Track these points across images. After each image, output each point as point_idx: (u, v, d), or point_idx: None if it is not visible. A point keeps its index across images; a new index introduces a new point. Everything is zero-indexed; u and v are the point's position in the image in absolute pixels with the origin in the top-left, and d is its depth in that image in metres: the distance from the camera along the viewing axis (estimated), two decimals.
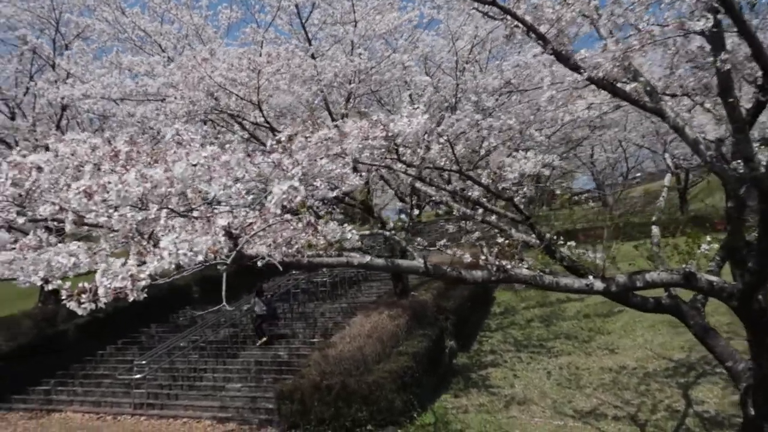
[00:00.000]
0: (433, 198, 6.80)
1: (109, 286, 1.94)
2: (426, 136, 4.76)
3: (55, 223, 3.99)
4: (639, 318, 14.61)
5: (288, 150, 2.75)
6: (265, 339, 16.08)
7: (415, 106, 4.21)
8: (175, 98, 8.27)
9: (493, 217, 7.06)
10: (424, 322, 13.30)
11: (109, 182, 2.27)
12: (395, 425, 10.38)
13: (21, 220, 3.42)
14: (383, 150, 4.25)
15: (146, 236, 2.30)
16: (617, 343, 13.56)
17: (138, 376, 13.59)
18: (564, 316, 16.15)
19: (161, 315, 19.99)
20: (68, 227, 2.41)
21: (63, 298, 2.14)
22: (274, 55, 8.02)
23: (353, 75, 9.63)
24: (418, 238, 10.68)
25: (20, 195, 3.34)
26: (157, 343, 18.06)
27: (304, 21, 12.25)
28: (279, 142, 2.75)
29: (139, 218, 2.41)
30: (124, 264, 2.13)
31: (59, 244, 5.23)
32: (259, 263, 4.77)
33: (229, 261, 2.57)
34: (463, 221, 12.67)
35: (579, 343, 13.96)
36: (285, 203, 2.41)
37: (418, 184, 7.07)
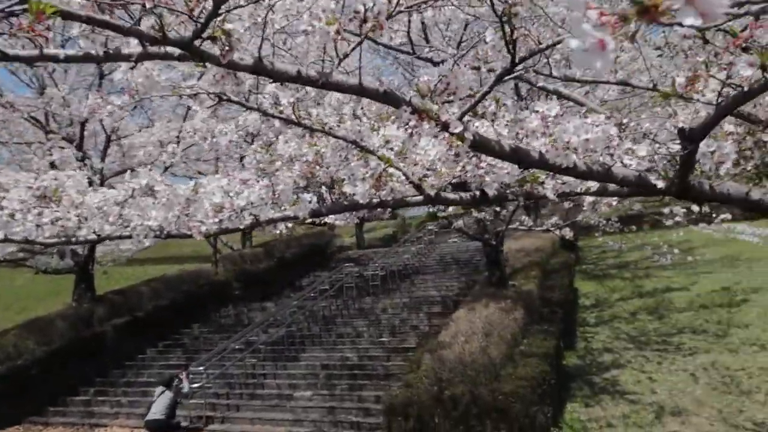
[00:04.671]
0: None
1: None
2: None
3: None
4: None
5: None
6: None
7: None
8: None
9: None
10: (536, 317, 11.22)
11: None
12: None
13: None
14: None
15: None
16: (764, 337, 11.44)
17: (196, 385, 11.50)
18: (675, 308, 14.01)
19: (202, 314, 17.93)
20: None
21: None
22: None
23: None
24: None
25: None
26: (202, 345, 16.02)
27: None
28: None
29: None
30: None
31: None
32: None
33: None
34: None
35: (713, 338, 11.83)
36: None
37: None
